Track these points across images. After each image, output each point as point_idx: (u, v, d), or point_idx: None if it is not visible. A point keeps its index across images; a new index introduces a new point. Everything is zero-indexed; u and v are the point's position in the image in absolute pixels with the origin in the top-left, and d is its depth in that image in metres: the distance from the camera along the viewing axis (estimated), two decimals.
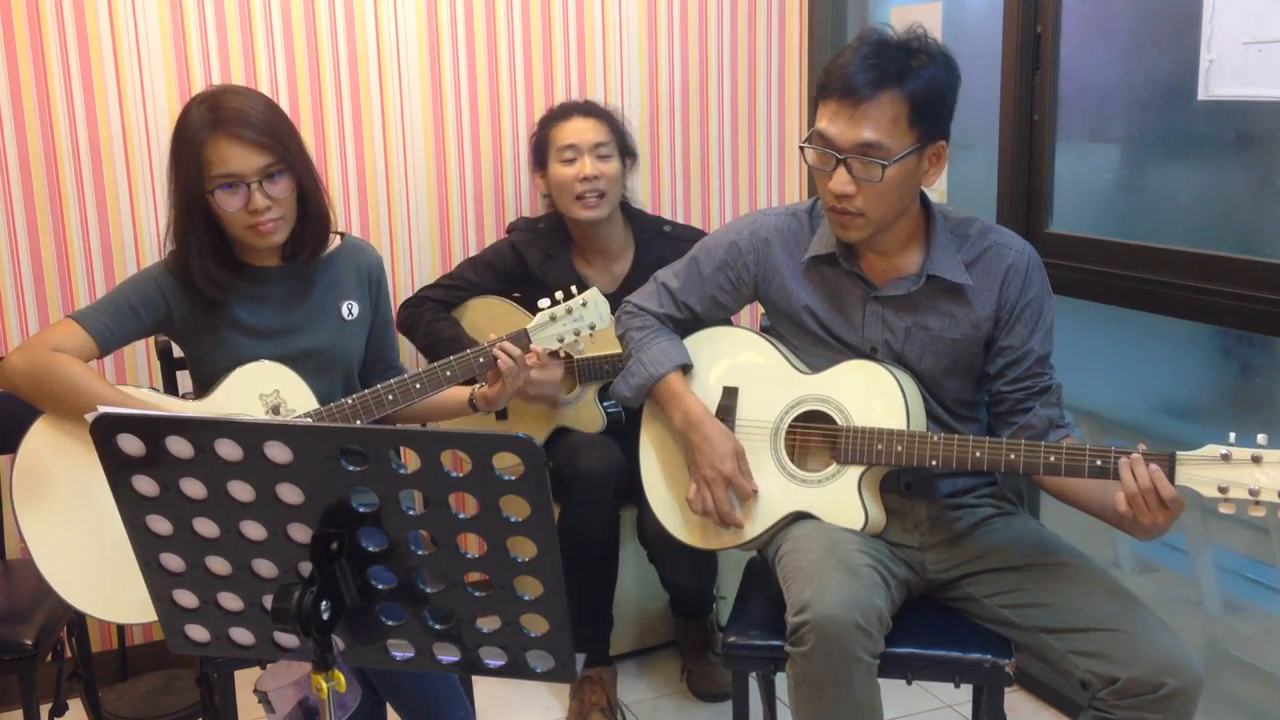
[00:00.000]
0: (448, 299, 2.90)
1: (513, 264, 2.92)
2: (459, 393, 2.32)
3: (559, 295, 2.30)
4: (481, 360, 2.23)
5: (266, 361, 2.17)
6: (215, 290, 2.17)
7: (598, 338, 2.36)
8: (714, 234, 2.28)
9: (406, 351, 3.12)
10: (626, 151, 2.93)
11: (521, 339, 2.26)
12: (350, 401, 2.18)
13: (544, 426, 2.86)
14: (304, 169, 2.16)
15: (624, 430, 2.83)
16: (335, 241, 2.30)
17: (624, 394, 2.24)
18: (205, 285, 2.16)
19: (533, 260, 2.90)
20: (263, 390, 2.16)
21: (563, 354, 2.37)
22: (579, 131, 2.85)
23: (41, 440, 2.09)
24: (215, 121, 2.08)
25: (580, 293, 2.31)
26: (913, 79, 1.91)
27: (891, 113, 1.91)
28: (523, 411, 2.88)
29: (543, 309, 2.29)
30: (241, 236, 2.15)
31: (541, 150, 2.93)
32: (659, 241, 2.94)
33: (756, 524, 2.13)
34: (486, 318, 2.88)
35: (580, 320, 2.29)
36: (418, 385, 2.20)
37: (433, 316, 2.87)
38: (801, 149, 2.01)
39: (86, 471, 2.06)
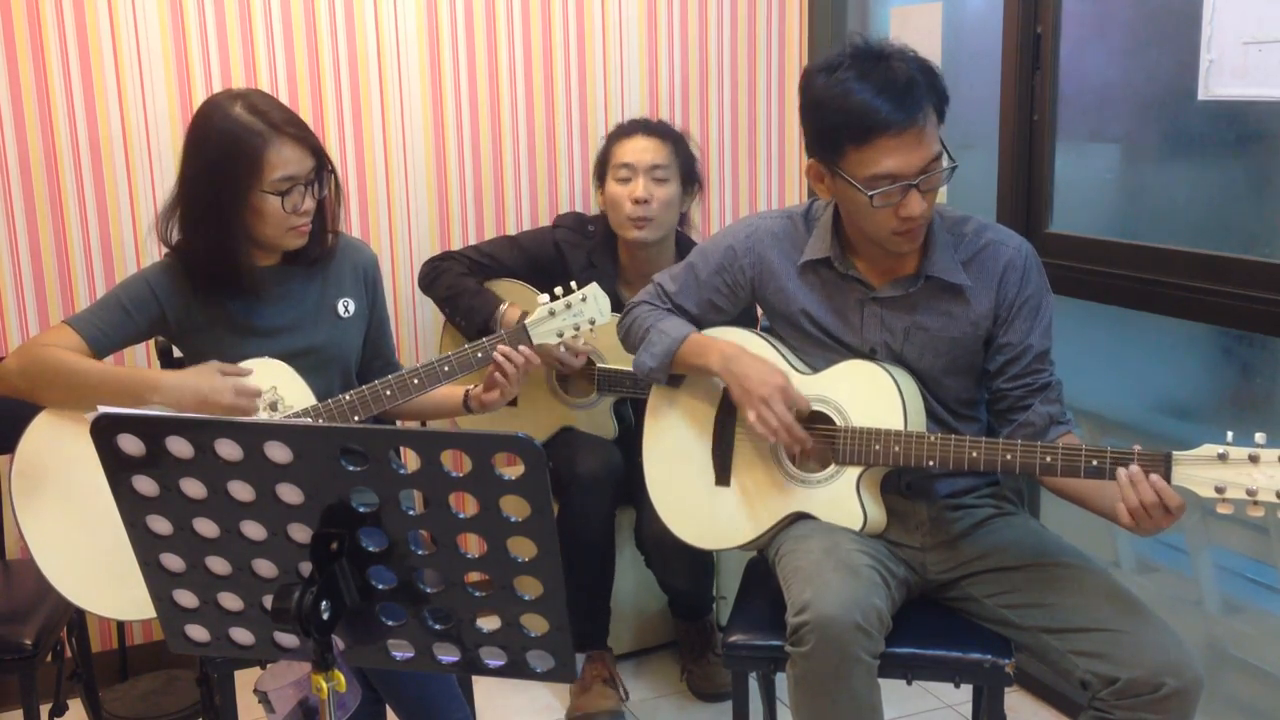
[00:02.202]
0: (473, 272, 2.84)
1: (552, 260, 2.86)
2: (454, 392, 2.32)
3: (558, 291, 2.29)
4: (480, 355, 2.23)
5: (264, 358, 2.17)
6: (252, 282, 2.16)
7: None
8: (711, 238, 2.27)
9: (405, 349, 3.13)
10: (690, 178, 2.86)
11: (520, 334, 2.26)
12: (348, 398, 2.18)
13: (553, 422, 2.84)
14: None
15: (624, 433, 2.83)
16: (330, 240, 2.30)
17: (648, 365, 2.21)
18: (245, 279, 2.14)
19: (574, 263, 2.84)
20: (260, 387, 2.16)
21: (560, 349, 2.35)
22: (637, 151, 2.80)
23: (39, 438, 2.09)
24: (273, 124, 2.08)
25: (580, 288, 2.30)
26: (925, 76, 1.92)
27: (934, 119, 1.94)
28: (535, 403, 2.86)
29: (542, 304, 2.28)
30: (277, 238, 2.14)
31: (601, 165, 2.88)
32: None
33: (757, 524, 2.13)
34: (511, 303, 2.83)
35: (580, 315, 2.28)
36: (415, 381, 2.20)
37: (461, 270, 2.81)
38: (870, 198, 1.92)
39: (84, 468, 2.06)
